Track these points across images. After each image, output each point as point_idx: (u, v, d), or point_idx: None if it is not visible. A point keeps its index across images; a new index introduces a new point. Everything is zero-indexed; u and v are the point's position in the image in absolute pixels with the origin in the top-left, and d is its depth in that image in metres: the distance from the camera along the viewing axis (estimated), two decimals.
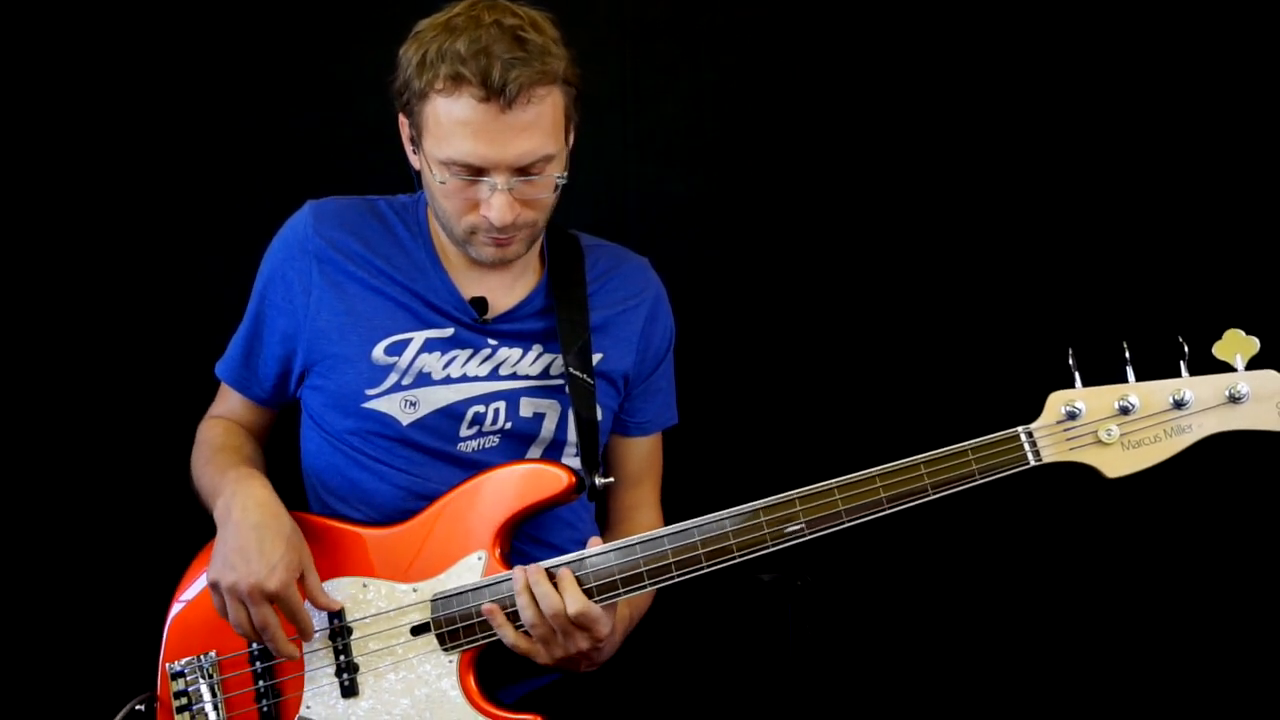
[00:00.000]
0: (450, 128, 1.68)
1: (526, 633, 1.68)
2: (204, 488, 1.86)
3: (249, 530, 1.69)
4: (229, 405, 1.98)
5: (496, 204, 1.71)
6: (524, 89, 1.65)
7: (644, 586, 1.70)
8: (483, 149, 1.67)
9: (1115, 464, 1.65)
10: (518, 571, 1.68)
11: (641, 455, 2.03)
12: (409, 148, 1.81)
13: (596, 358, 1.89)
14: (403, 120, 1.79)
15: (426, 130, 1.71)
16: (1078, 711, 2.51)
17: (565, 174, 1.76)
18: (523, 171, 1.71)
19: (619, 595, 1.70)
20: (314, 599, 1.74)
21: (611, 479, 1.92)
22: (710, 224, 2.56)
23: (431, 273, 1.86)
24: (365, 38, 2.45)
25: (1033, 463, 1.66)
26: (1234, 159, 2.42)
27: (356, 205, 1.90)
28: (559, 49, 1.71)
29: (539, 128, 1.69)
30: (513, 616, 1.68)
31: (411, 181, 1.90)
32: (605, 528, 2.02)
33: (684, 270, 2.47)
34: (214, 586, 1.70)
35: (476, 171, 1.70)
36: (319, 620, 1.76)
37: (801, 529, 1.67)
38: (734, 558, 1.68)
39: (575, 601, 1.65)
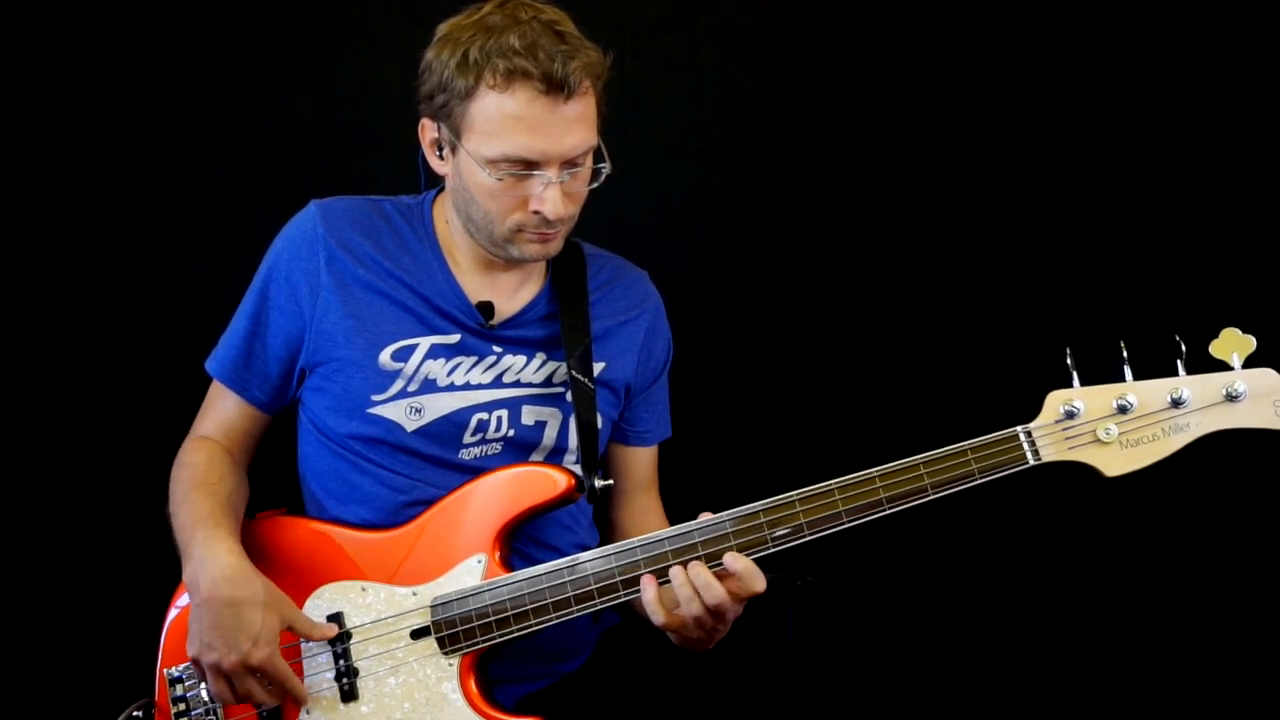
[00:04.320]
0: (503, 123, 1.66)
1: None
2: (176, 527, 1.77)
3: (222, 607, 1.63)
4: (221, 413, 1.89)
5: (550, 198, 1.70)
6: (582, 80, 1.66)
7: None
8: (539, 143, 1.67)
9: (1114, 463, 1.66)
10: (677, 569, 1.66)
11: (646, 463, 2.04)
12: (432, 152, 1.78)
13: (598, 367, 1.89)
14: (428, 124, 1.76)
15: (471, 129, 1.69)
16: (1077, 711, 2.51)
17: (608, 164, 1.76)
18: (569, 164, 1.71)
19: (619, 598, 1.70)
20: (309, 637, 1.73)
21: (610, 481, 1.90)
22: (710, 223, 2.56)
23: (439, 275, 1.85)
24: (366, 38, 2.45)
25: (1032, 462, 1.67)
26: (1231, 159, 2.42)
27: (363, 205, 1.88)
28: (590, 42, 1.72)
29: (586, 119, 1.71)
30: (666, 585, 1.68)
31: (414, 182, 1.90)
32: (617, 537, 2.00)
33: (683, 269, 2.49)
34: (196, 664, 1.67)
35: (529, 166, 1.69)
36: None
37: (802, 529, 1.67)
38: None
39: (757, 578, 1.65)
